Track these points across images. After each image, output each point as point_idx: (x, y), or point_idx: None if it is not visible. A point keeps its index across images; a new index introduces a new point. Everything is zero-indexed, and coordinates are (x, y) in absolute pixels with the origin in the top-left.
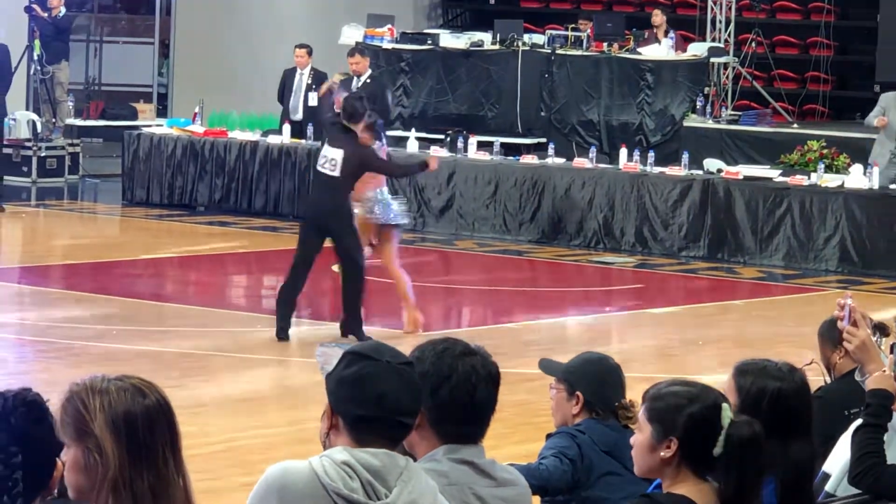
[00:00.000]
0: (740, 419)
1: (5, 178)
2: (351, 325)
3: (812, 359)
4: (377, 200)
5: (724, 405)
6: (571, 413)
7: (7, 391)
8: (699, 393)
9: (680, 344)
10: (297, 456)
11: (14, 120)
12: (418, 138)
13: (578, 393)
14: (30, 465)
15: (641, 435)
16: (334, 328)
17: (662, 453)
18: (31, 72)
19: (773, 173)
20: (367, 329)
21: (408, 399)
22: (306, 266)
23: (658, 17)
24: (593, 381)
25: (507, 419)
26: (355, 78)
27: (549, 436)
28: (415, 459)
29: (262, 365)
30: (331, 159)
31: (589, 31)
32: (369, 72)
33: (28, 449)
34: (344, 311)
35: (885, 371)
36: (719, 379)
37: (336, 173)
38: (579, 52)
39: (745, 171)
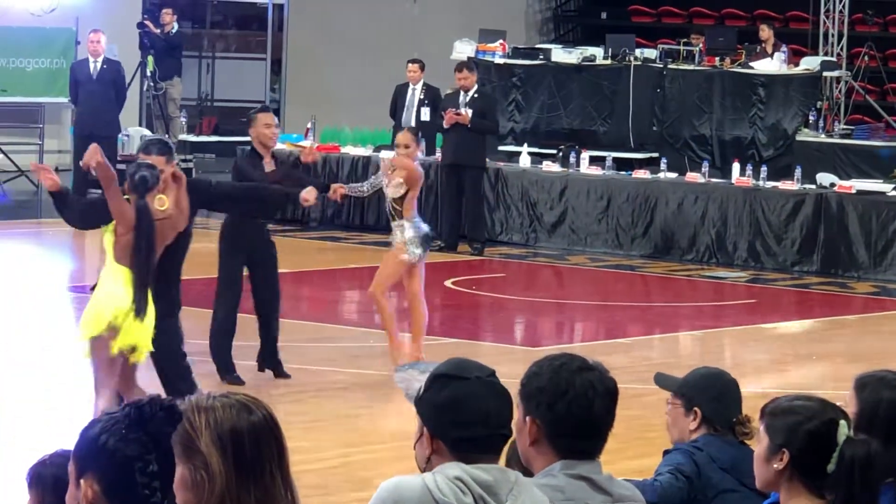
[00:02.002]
0: (857, 437)
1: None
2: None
3: None
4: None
5: (842, 422)
6: (689, 429)
7: (139, 399)
8: (817, 408)
9: (793, 359)
10: (409, 471)
11: (127, 136)
12: (531, 153)
13: (697, 408)
14: (164, 472)
15: (760, 447)
16: (444, 343)
17: (775, 465)
18: (145, 88)
19: (887, 187)
20: (480, 343)
21: (506, 411)
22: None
23: (765, 32)
24: (712, 397)
25: (620, 434)
26: (462, 93)
27: (666, 452)
28: (532, 474)
29: (375, 380)
30: None
31: (701, 45)
32: (476, 87)
33: (163, 456)
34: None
35: None
36: (832, 394)
37: None
38: (691, 67)
39: (858, 185)
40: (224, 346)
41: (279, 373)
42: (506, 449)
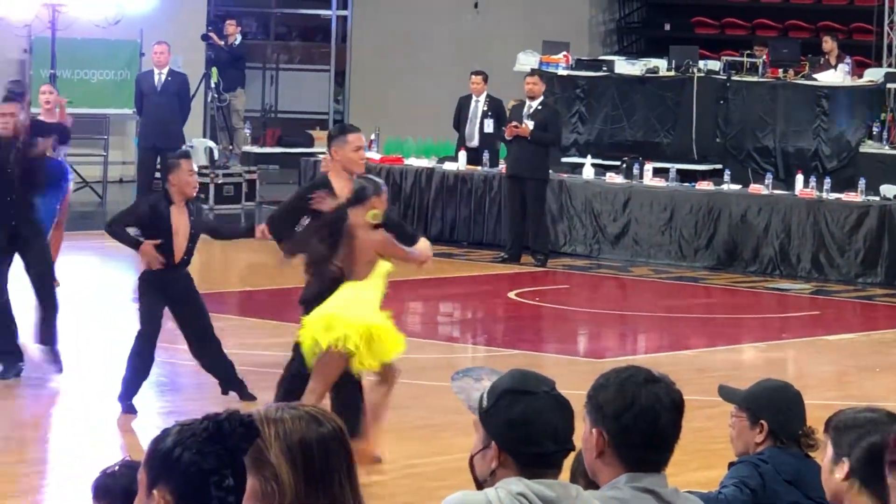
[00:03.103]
0: None
1: None
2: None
3: None
4: None
5: None
6: (754, 441)
7: (217, 413)
8: (881, 420)
9: (857, 371)
10: (473, 484)
11: (191, 147)
12: (594, 165)
13: (763, 421)
14: (240, 487)
15: (826, 459)
16: (508, 354)
17: (839, 476)
18: (209, 99)
19: None
20: (543, 355)
21: (571, 425)
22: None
23: (828, 44)
24: (778, 409)
25: (684, 446)
26: (527, 102)
27: (731, 464)
28: (597, 487)
29: (438, 391)
30: None
31: (764, 57)
32: (542, 98)
33: (239, 471)
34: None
35: None
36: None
37: None
38: (755, 79)
39: None
40: None
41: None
42: (570, 461)
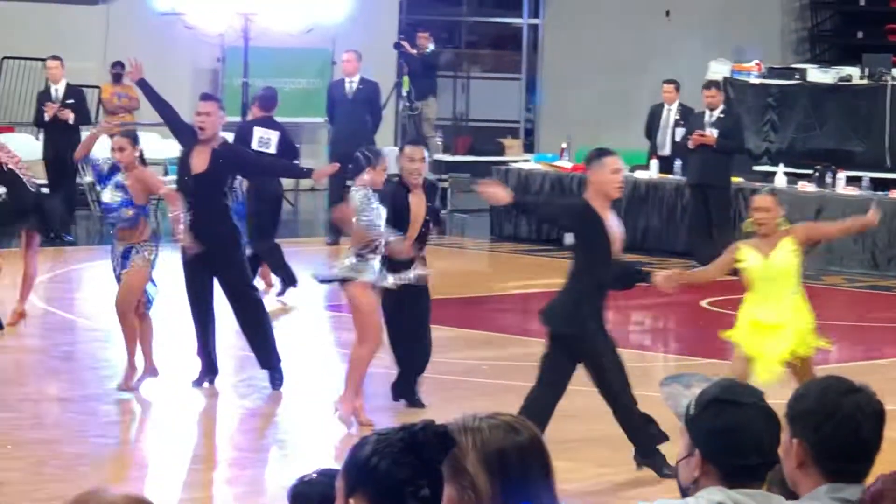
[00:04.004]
0: None
1: None
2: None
3: None
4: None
5: None
6: None
7: (413, 424)
8: None
9: None
10: (664, 492)
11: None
12: (786, 173)
13: None
14: (436, 497)
15: None
16: (701, 363)
17: None
18: (400, 108)
19: None
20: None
21: (777, 438)
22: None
23: None
24: None
25: (881, 457)
26: (707, 112)
27: None
28: (796, 497)
29: None
30: None
31: None
32: (722, 106)
33: (435, 481)
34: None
35: None
36: None
37: None
38: None
39: None
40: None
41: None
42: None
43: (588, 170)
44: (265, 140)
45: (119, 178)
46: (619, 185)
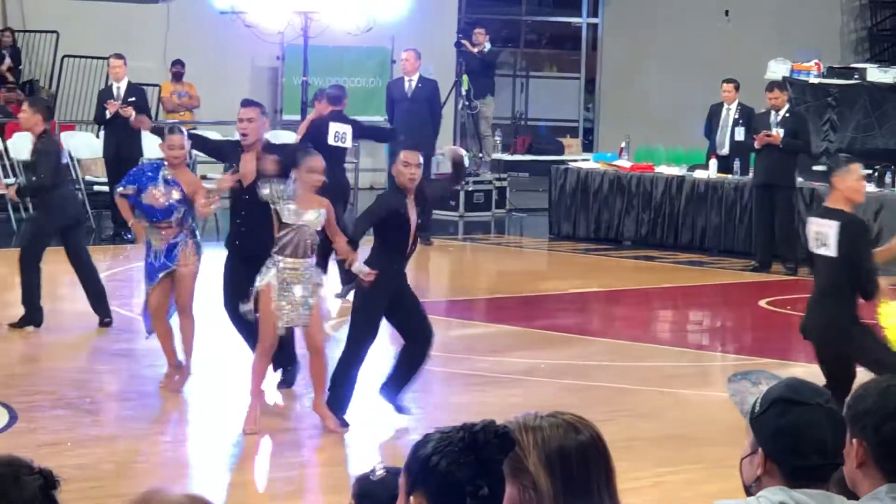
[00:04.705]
0: None
1: (434, 212)
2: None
3: None
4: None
5: None
6: None
7: (473, 424)
8: None
9: None
10: (723, 493)
11: (442, 155)
12: None
13: None
14: (496, 497)
15: None
16: (758, 363)
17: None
18: (459, 107)
19: None
20: (793, 364)
21: (841, 440)
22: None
23: None
24: None
25: None
26: (773, 112)
27: None
28: (856, 497)
29: (688, 399)
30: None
31: None
32: (787, 106)
33: (495, 482)
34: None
35: None
36: None
37: None
38: None
39: None
40: None
41: None
42: None
43: (833, 176)
44: (340, 135)
45: (166, 174)
46: (863, 191)
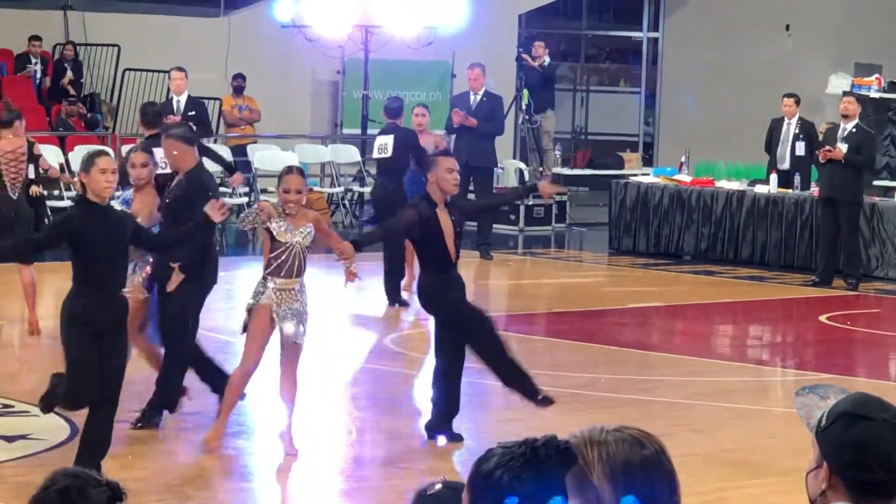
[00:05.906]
0: None
1: (494, 226)
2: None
3: None
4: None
5: None
6: None
7: (535, 438)
8: None
9: None
10: None
11: (502, 169)
12: None
13: None
14: None
15: None
16: (819, 378)
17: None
18: (519, 121)
19: None
20: (854, 379)
21: None
22: None
23: None
24: None
25: None
26: (840, 125)
27: None
28: None
29: (748, 414)
30: None
31: None
32: (856, 120)
33: (558, 495)
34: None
35: None
36: None
37: None
38: None
39: None
40: None
41: None
42: None
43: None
44: (383, 146)
45: (128, 194)
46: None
